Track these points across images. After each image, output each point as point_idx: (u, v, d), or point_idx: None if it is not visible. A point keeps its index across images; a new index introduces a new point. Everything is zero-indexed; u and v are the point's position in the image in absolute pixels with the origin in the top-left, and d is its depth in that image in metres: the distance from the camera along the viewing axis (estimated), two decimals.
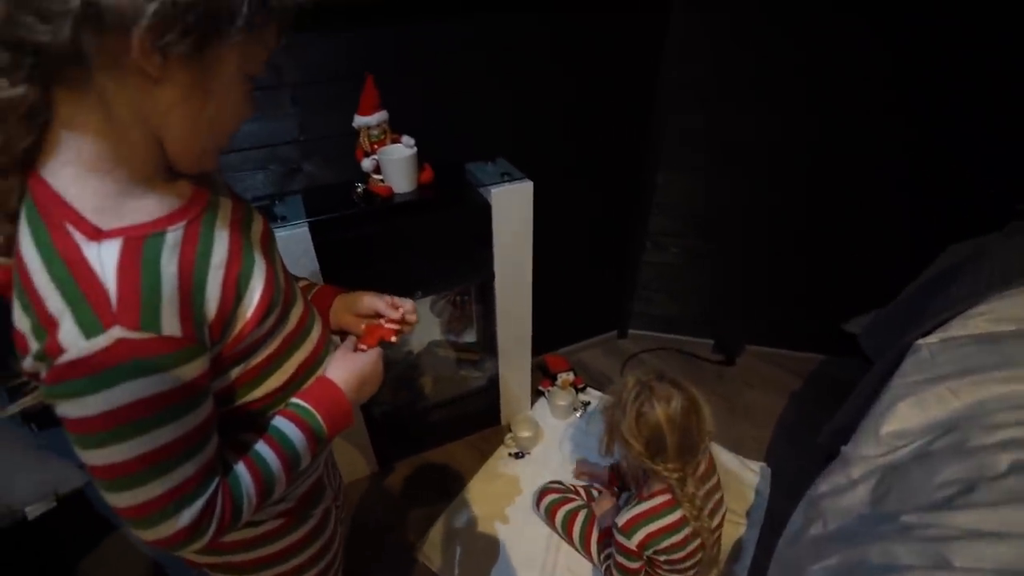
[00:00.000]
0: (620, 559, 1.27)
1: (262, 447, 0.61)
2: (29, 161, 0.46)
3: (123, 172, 0.49)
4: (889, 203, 1.76)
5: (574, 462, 1.76)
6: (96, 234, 0.46)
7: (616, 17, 1.50)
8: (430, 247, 1.39)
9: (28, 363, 0.46)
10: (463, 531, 1.57)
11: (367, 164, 1.31)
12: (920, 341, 1.29)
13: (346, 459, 1.67)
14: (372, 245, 1.30)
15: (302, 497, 0.75)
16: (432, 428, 1.80)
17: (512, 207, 1.40)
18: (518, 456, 1.79)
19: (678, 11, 1.54)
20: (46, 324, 0.44)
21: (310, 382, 0.68)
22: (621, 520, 1.22)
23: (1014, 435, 0.98)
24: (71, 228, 0.46)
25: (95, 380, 0.44)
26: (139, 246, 0.48)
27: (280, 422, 0.63)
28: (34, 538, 0.90)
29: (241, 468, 0.59)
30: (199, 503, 0.53)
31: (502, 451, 1.81)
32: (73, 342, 0.43)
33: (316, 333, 0.71)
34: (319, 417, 0.64)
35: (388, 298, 0.80)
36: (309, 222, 1.20)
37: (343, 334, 0.80)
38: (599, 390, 2.03)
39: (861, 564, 0.91)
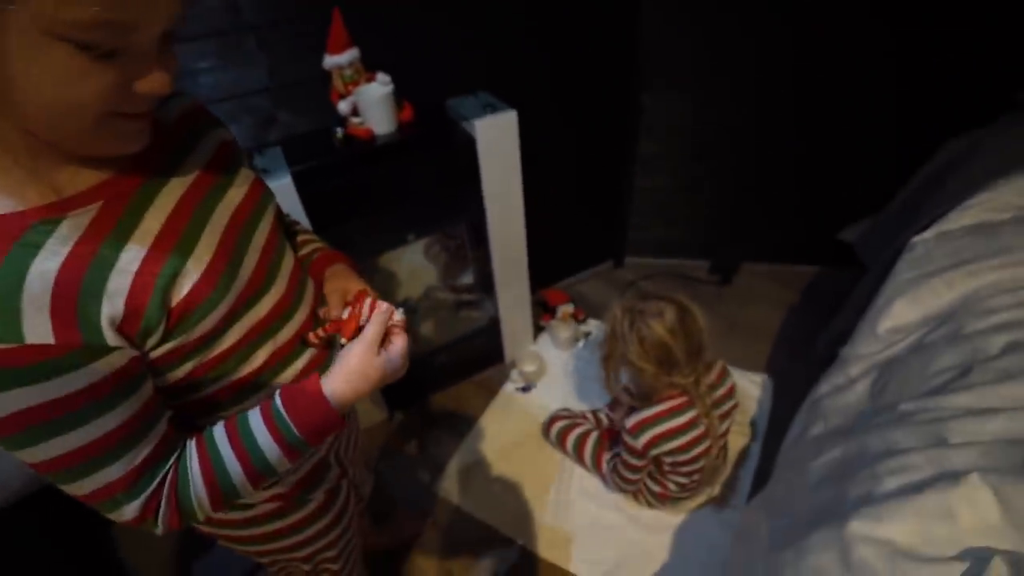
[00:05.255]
0: (625, 456, 1.34)
1: (225, 450, 0.55)
2: None
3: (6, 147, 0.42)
4: (879, 104, 1.71)
5: (580, 390, 1.81)
6: None
7: None
8: (418, 188, 1.35)
9: None
10: (479, 464, 1.63)
11: (344, 107, 1.26)
12: (916, 238, 1.30)
13: (356, 408, 1.70)
14: (359, 191, 1.27)
15: (299, 482, 0.72)
16: (438, 371, 1.83)
17: (498, 139, 1.36)
18: (525, 390, 1.84)
19: None
20: None
21: (291, 377, 0.63)
22: (629, 422, 1.27)
23: (1008, 318, 1.00)
24: None
25: None
26: (12, 238, 0.41)
27: (255, 422, 0.55)
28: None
29: (195, 470, 0.54)
30: (136, 503, 0.51)
31: (509, 387, 1.86)
32: None
33: (299, 318, 0.64)
34: (295, 430, 0.55)
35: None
36: (292, 172, 1.16)
37: None
38: (600, 320, 2.05)
39: (861, 454, 0.93)
